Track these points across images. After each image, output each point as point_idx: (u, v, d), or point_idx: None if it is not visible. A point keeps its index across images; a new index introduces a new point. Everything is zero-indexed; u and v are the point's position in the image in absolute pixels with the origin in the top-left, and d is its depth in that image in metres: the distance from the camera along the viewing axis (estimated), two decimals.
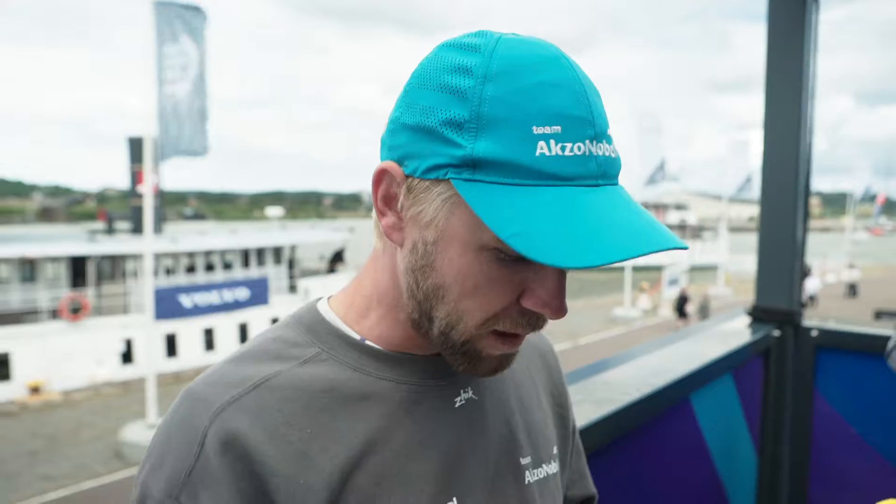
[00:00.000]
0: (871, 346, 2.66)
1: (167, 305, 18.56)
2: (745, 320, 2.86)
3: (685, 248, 0.60)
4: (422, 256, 0.66)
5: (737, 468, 2.59)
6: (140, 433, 13.48)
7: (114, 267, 21.43)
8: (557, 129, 0.59)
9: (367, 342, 0.74)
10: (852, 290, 30.77)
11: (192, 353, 20.26)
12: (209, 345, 20.77)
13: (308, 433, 0.66)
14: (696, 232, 60.78)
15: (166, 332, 19.42)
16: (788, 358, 2.78)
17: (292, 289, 24.63)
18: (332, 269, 27.90)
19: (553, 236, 0.57)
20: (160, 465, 0.65)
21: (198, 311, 19.66)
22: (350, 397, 0.70)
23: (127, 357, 19.49)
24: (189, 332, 20.15)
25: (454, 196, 0.62)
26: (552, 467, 0.86)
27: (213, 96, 11.95)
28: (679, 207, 63.88)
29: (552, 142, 0.59)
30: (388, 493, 0.68)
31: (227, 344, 21.00)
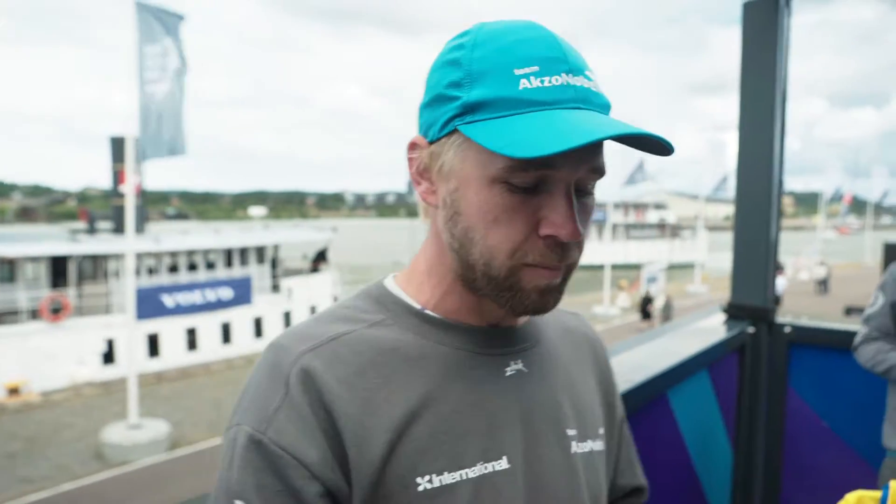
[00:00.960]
0: (841, 342, 2.73)
1: (149, 305, 18.41)
2: (721, 317, 2.92)
3: (658, 139, 0.69)
4: (450, 206, 0.75)
5: (712, 462, 2.64)
6: (121, 434, 13.37)
7: (95, 267, 21.20)
8: (535, 68, 0.69)
9: (427, 311, 0.82)
10: (823, 286, 31.31)
11: (174, 353, 20.12)
12: (192, 344, 20.63)
13: (374, 384, 0.75)
14: (675, 231, 61.22)
15: (148, 331, 19.27)
16: (763, 354, 2.84)
17: (275, 288, 24.52)
18: (315, 268, 27.78)
19: (528, 137, 0.66)
20: (250, 406, 0.74)
21: (180, 310, 19.53)
22: (411, 357, 0.78)
23: (108, 357, 19.29)
24: (171, 331, 20.01)
25: (463, 141, 0.72)
26: (598, 445, 0.91)
27: (197, 95, 11.94)
28: (658, 207, 64.23)
29: (532, 78, 0.69)
30: (441, 443, 0.75)
31: (210, 344, 20.87)
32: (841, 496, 2.01)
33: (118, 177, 22.82)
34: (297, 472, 0.69)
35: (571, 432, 0.86)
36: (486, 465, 0.77)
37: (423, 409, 0.75)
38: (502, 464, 0.78)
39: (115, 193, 23.97)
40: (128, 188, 13.33)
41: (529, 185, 0.70)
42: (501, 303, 0.76)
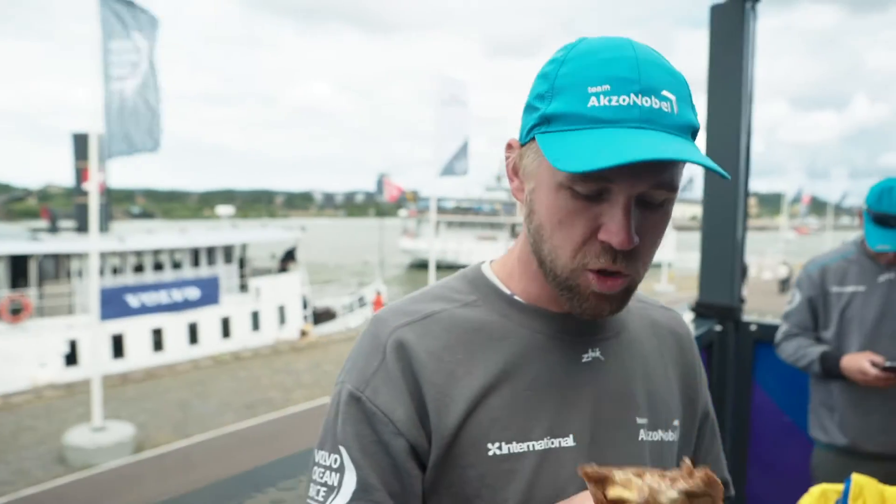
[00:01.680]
0: None
1: (113, 306, 18.04)
2: (689, 316, 2.97)
3: (705, 165, 0.72)
4: (528, 204, 0.84)
5: None
6: (85, 437, 13.08)
7: (57, 266, 20.72)
8: (607, 87, 0.75)
9: (515, 296, 0.90)
10: (785, 285, 32.05)
11: (139, 354, 19.77)
12: (157, 345, 20.30)
13: (458, 358, 0.84)
14: None
15: (112, 332, 18.91)
16: (730, 351, 2.90)
17: (243, 288, 24.24)
18: (283, 268, 27.53)
19: (581, 152, 0.72)
20: (353, 368, 0.86)
21: (145, 310, 19.18)
22: (494, 336, 0.87)
23: (71, 359, 18.88)
24: (136, 332, 19.66)
25: (539, 148, 0.79)
26: (669, 435, 0.95)
27: (163, 92, 11.69)
28: None
29: (602, 96, 0.75)
30: (513, 415, 0.83)
31: (176, 344, 20.55)
32: (804, 489, 2.06)
33: (81, 174, 22.33)
34: (387, 427, 0.81)
35: (642, 420, 0.91)
36: (552, 440, 0.84)
37: (500, 383, 0.84)
38: (568, 441, 0.85)
39: (77, 191, 23.45)
40: (91, 186, 13.01)
41: (591, 193, 0.76)
42: (564, 300, 0.83)
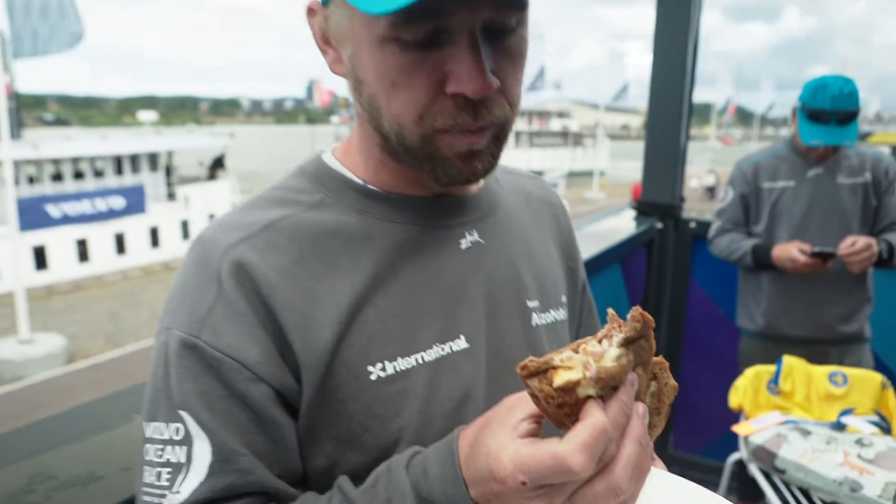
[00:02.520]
0: None
1: (33, 216, 17.24)
2: (632, 214, 3.05)
3: None
4: (352, 74, 0.68)
5: None
6: (12, 349, 12.78)
7: None
8: None
9: (370, 186, 0.75)
10: (711, 192, 33.36)
11: (64, 266, 19.08)
12: (83, 256, 19.61)
13: (316, 272, 0.69)
14: (578, 139, 62.67)
15: (34, 244, 18.12)
16: (669, 248, 3.01)
17: (171, 196, 23.46)
18: (212, 175, 26.72)
19: None
20: (180, 308, 0.67)
21: (68, 220, 18.43)
22: (354, 238, 0.72)
23: None
24: (59, 243, 18.89)
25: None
26: (560, 314, 0.87)
27: None
28: (561, 115, 65.23)
29: None
30: (392, 327, 0.70)
31: (103, 255, 19.92)
32: (734, 375, 2.20)
33: None
34: (240, 374, 0.63)
35: (533, 304, 0.82)
36: (443, 346, 0.72)
37: (371, 292, 0.70)
38: (460, 343, 0.73)
39: None
40: None
41: (424, 38, 0.61)
42: (427, 174, 0.69)
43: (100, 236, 19.76)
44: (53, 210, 17.89)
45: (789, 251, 2.21)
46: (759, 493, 1.83)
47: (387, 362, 0.69)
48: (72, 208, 18.33)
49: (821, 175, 2.30)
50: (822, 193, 2.29)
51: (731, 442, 1.91)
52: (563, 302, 0.89)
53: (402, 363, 0.69)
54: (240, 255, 0.66)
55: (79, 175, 21.71)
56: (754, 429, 1.84)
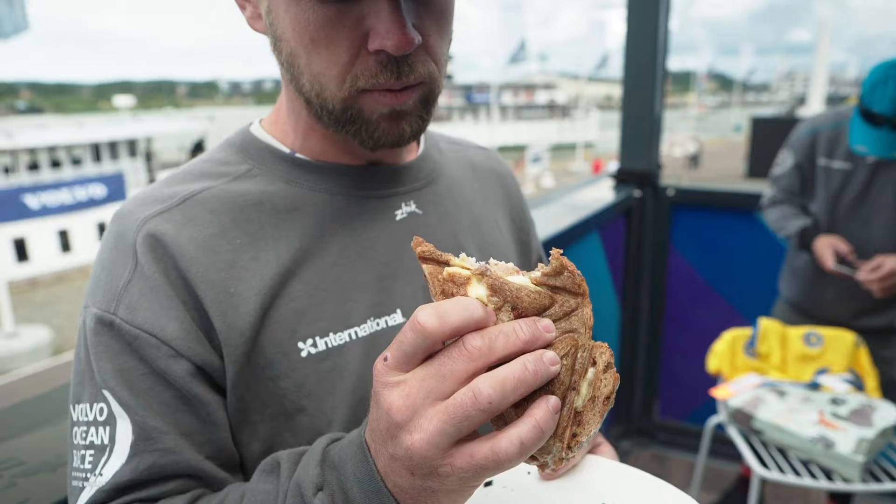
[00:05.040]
0: (718, 202, 2.94)
1: (10, 207, 17.00)
2: (610, 183, 3.05)
3: None
4: (270, 31, 0.65)
5: (602, 317, 2.83)
6: None
7: None
8: None
9: (298, 155, 0.72)
10: (694, 161, 33.36)
11: (46, 257, 18.90)
12: (65, 247, 19.42)
13: (238, 244, 0.66)
14: (566, 111, 62.51)
15: (13, 236, 17.91)
16: (648, 216, 3.01)
17: (152, 182, 23.27)
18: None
19: None
20: (97, 285, 0.65)
21: (48, 211, 18.18)
22: (281, 209, 0.69)
23: None
24: (40, 234, 18.70)
25: None
26: None
27: None
28: (548, 87, 64.97)
29: None
30: (322, 301, 0.67)
31: (86, 244, 19.73)
32: (714, 338, 2.22)
33: None
34: (159, 350, 0.61)
35: None
36: (377, 320, 0.69)
37: (300, 264, 0.67)
38: (396, 318, 0.70)
39: None
40: None
41: None
42: (352, 137, 0.66)
43: (81, 226, 19.56)
44: (32, 201, 17.63)
45: (824, 253, 2.07)
46: (740, 455, 1.86)
47: (318, 338, 0.66)
48: (51, 198, 18.07)
49: (880, 162, 2.04)
50: (878, 183, 2.06)
51: (715, 407, 1.93)
52: None
53: (335, 339, 0.67)
54: (155, 227, 0.64)
55: (56, 164, 21.45)
56: (731, 392, 1.86)
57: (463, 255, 0.48)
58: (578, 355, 0.47)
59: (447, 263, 0.48)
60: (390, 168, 0.75)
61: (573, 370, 0.46)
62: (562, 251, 0.48)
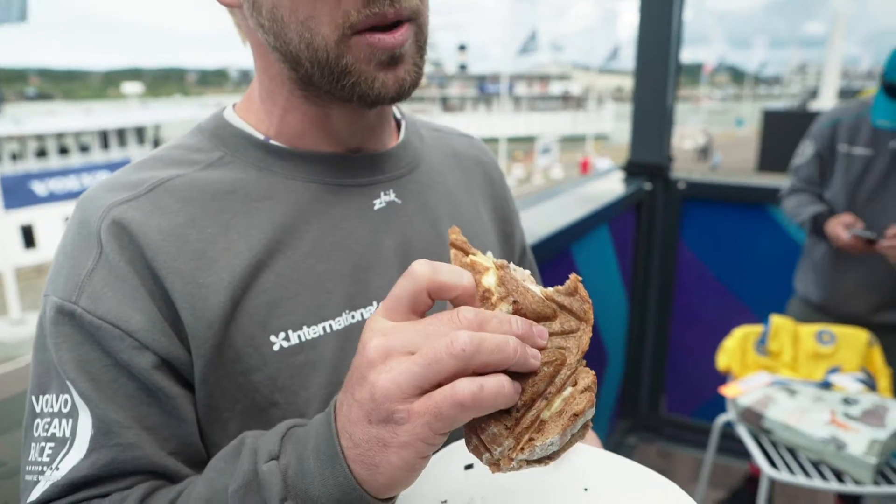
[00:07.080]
0: (729, 196, 2.89)
1: (18, 194, 17.07)
2: (621, 175, 3.01)
3: None
4: None
5: (610, 311, 2.80)
6: (4, 331, 12.73)
7: None
8: None
9: (272, 141, 0.70)
10: (704, 154, 33.21)
11: (53, 244, 18.95)
12: None
13: (208, 233, 0.63)
14: (580, 102, 62.22)
15: (21, 222, 17.98)
16: (658, 209, 2.97)
17: None
18: None
19: None
20: (58, 273, 0.62)
21: (55, 198, 18.26)
22: (254, 197, 0.66)
23: None
24: (48, 221, 18.75)
25: None
26: None
27: None
28: (562, 78, 64.69)
29: None
30: (296, 293, 0.65)
31: None
32: (723, 334, 2.18)
33: None
34: (122, 342, 0.58)
35: None
36: (353, 313, 0.67)
37: (272, 255, 0.65)
38: (372, 310, 0.68)
39: None
40: None
41: None
42: (346, 95, 0.63)
43: None
44: (40, 187, 17.71)
45: (835, 228, 2.04)
46: (749, 454, 1.82)
47: (290, 331, 0.64)
48: (59, 185, 18.15)
49: None
50: None
51: (722, 403, 1.90)
52: None
53: (308, 332, 0.65)
54: (121, 215, 0.61)
55: (64, 151, 21.48)
56: (741, 390, 1.83)
57: (489, 252, 0.51)
58: (562, 371, 0.47)
59: (472, 253, 0.50)
60: (370, 156, 0.73)
61: (552, 381, 0.46)
62: (581, 279, 0.49)
